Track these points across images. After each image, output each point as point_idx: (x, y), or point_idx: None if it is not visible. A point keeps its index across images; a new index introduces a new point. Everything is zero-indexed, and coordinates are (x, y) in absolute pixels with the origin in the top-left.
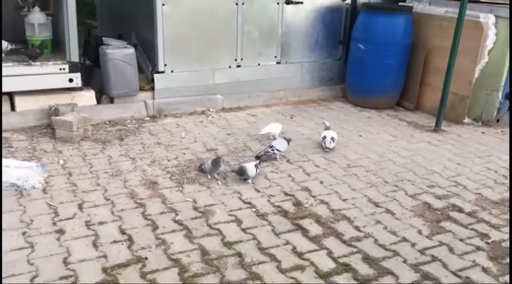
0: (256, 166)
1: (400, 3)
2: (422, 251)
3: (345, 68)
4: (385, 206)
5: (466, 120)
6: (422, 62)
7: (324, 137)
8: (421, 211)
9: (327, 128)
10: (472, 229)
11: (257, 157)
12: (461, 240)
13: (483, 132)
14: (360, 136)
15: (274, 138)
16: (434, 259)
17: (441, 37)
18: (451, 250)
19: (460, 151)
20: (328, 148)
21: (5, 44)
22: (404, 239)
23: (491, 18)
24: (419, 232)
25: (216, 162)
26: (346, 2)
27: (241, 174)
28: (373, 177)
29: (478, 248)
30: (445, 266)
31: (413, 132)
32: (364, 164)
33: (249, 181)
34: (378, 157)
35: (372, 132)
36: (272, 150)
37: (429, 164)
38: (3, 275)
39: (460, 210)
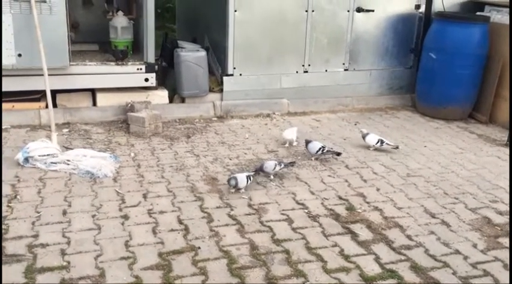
0: (248, 177)
1: (477, 13)
2: (474, 265)
3: (415, 76)
4: (441, 217)
5: None
6: (497, 74)
7: (380, 141)
8: (480, 226)
9: (365, 135)
10: None
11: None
12: None
13: None
14: (425, 146)
15: (291, 145)
16: (486, 273)
17: None
18: (505, 266)
19: None
20: (396, 146)
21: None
22: (457, 252)
23: None
24: (474, 245)
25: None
26: (420, 10)
27: (230, 185)
28: (433, 188)
29: None
30: (496, 281)
31: (482, 146)
32: (425, 174)
33: (242, 191)
34: (440, 169)
35: (438, 143)
36: (328, 149)
37: (495, 179)
38: (72, 251)
39: None
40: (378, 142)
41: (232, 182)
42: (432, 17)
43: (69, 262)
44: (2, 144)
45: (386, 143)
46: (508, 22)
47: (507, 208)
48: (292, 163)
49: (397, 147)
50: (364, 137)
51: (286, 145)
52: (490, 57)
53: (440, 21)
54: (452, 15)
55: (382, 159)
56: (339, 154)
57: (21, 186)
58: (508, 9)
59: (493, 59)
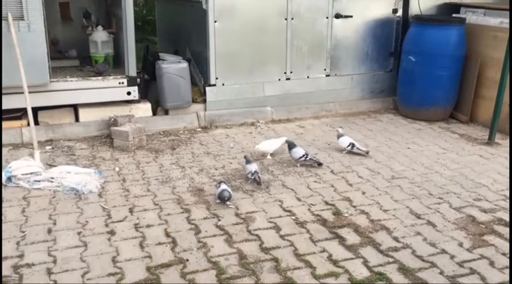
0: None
1: (453, 15)
2: (460, 264)
3: (396, 79)
4: (427, 218)
5: None
6: (476, 74)
7: (352, 144)
8: (464, 224)
9: (340, 135)
10: None
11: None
12: (503, 254)
13: None
14: (408, 148)
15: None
16: (472, 271)
17: (496, 48)
18: (491, 263)
19: None
20: (367, 151)
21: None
22: (444, 252)
23: None
24: (460, 244)
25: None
26: (397, 14)
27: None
28: (417, 189)
29: None
30: (483, 279)
31: (464, 145)
32: (409, 176)
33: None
34: (424, 169)
35: (421, 144)
36: (310, 158)
37: (478, 177)
38: (58, 270)
39: (507, 224)
40: (349, 145)
41: (226, 194)
42: (409, 21)
43: (55, 281)
44: None
45: (357, 147)
46: (483, 23)
47: (491, 205)
48: (258, 183)
49: (367, 153)
50: (338, 137)
51: (268, 156)
52: (467, 57)
53: (418, 24)
54: (429, 18)
55: (367, 163)
56: (320, 164)
57: (5, 205)
58: (483, 10)
59: (470, 59)
